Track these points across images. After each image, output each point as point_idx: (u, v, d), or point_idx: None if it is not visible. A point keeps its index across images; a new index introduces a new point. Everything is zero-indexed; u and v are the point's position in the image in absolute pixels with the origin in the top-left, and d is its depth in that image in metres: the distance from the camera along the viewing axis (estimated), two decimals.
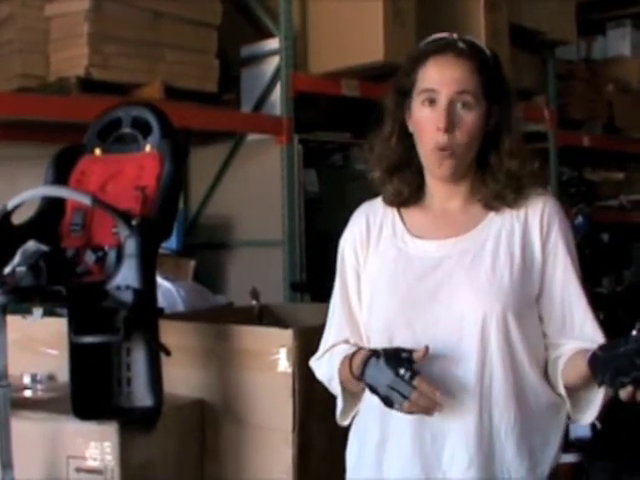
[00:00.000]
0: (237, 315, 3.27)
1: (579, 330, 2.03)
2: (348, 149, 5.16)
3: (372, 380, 1.92)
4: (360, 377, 1.95)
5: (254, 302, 3.36)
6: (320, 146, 5.05)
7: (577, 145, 6.43)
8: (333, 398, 2.16)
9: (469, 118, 1.99)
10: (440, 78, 2.00)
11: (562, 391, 2.01)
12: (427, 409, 1.88)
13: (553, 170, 6.20)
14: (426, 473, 2.00)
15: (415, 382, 1.85)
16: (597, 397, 1.98)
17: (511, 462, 1.99)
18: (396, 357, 1.90)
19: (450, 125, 1.97)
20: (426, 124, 2.01)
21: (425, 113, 2.01)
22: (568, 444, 3.73)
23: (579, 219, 6.14)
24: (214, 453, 2.64)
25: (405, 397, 1.86)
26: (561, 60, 6.39)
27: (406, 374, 1.86)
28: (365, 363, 1.94)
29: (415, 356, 1.89)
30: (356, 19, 4.46)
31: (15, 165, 4.14)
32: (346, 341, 2.17)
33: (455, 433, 1.98)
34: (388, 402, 1.90)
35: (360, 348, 2.05)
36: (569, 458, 3.61)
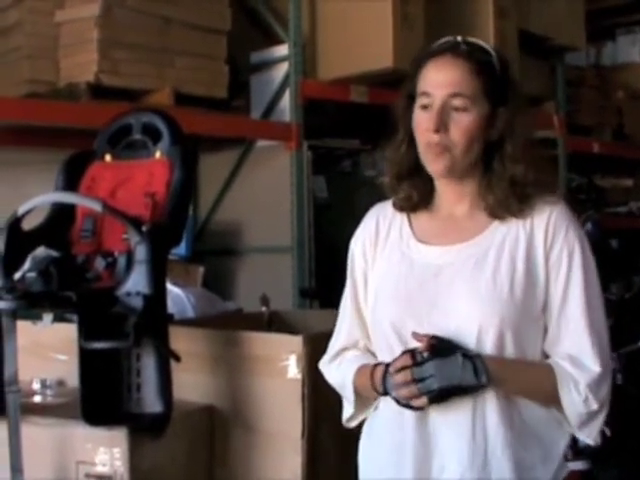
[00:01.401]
0: (246, 321, 3.26)
1: (567, 350, 2.00)
2: (357, 155, 5.17)
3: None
4: (385, 393, 1.98)
5: (264, 308, 3.35)
6: (329, 152, 5.06)
7: (586, 151, 6.43)
8: (342, 404, 2.16)
9: (464, 120, 1.98)
10: (435, 80, 2.00)
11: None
12: None
13: (562, 176, 6.20)
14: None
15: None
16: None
17: (509, 476, 1.97)
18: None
19: (441, 127, 1.97)
20: (420, 125, 2.02)
21: (421, 115, 2.02)
22: (577, 451, 3.73)
23: (588, 225, 6.12)
24: (223, 459, 2.64)
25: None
26: (570, 66, 6.39)
27: None
28: (384, 378, 1.97)
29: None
30: (365, 25, 4.47)
31: (24, 170, 4.15)
32: (356, 344, 2.18)
33: (450, 445, 1.98)
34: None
35: (379, 363, 2.04)
36: (578, 465, 3.60)
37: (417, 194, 2.11)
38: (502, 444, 1.96)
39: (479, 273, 1.98)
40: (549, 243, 1.99)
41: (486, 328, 1.94)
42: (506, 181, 2.01)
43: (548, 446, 2.01)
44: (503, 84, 2.04)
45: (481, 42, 2.06)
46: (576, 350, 1.98)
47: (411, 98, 2.07)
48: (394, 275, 2.08)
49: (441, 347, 1.91)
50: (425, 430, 1.99)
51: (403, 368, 1.90)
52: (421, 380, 1.87)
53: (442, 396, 1.89)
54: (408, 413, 1.98)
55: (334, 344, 2.22)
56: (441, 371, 1.88)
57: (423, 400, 1.89)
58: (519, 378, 1.98)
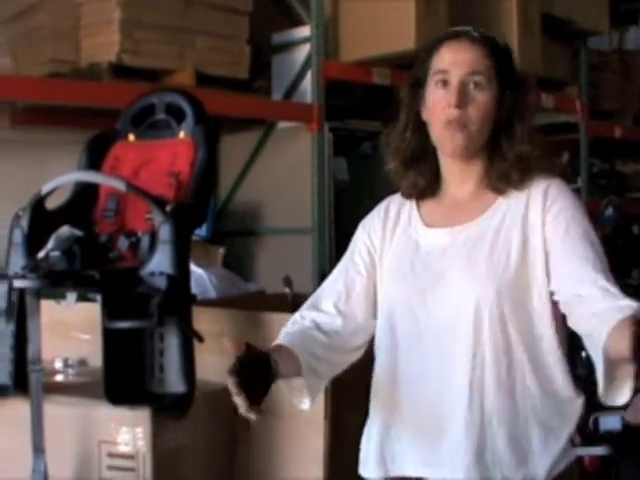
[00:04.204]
0: (269, 302, 3.25)
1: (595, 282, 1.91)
2: (378, 138, 5.15)
3: None
4: None
5: (287, 290, 3.34)
6: (350, 134, 5.04)
7: (608, 136, 6.39)
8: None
9: (481, 97, 2.01)
10: (453, 59, 2.03)
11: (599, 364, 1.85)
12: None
13: (584, 161, 6.18)
14: (427, 461, 2.01)
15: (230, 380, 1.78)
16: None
17: (502, 453, 1.96)
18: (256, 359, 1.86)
19: (462, 102, 2.00)
20: (438, 103, 2.03)
21: (438, 93, 2.04)
22: (597, 437, 3.71)
23: (609, 210, 6.10)
24: (245, 440, 2.63)
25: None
26: (593, 51, 6.35)
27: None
28: None
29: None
30: (388, 7, 4.45)
31: (46, 150, 4.16)
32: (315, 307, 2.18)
33: (451, 420, 1.98)
34: None
35: None
36: (598, 451, 3.58)
37: (423, 180, 2.14)
38: (499, 414, 1.96)
39: (479, 250, 2.01)
40: (547, 208, 2.01)
41: (483, 300, 1.95)
42: (512, 155, 2.04)
43: (552, 427, 2.00)
44: (510, 70, 2.09)
45: (486, 31, 2.10)
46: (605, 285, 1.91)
47: (417, 85, 2.10)
48: (401, 257, 2.11)
49: None
50: (429, 410, 2.01)
51: None
52: None
53: None
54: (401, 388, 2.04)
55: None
56: None
57: None
58: None
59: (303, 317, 2.15)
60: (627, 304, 1.83)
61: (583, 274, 1.94)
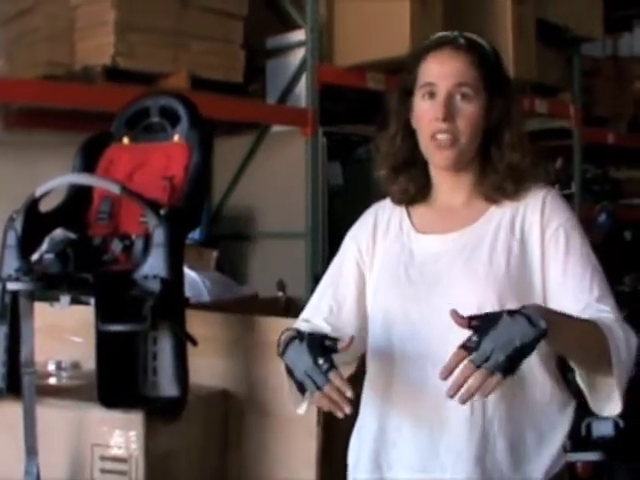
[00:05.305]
0: (262, 306, 3.26)
1: (590, 302, 1.96)
2: (372, 142, 5.15)
3: (291, 362, 1.94)
4: (281, 355, 1.98)
5: (280, 294, 3.35)
6: (344, 139, 5.04)
7: (602, 142, 6.41)
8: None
9: (469, 109, 2.02)
10: (439, 71, 2.04)
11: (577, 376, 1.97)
12: (336, 405, 1.86)
13: (577, 167, 6.18)
14: (424, 466, 2.01)
15: (331, 375, 1.85)
16: (616, 386, 1.90)
17: (501, 458, 1.97)
18: (319, 345, 1.91)
19: (449, 116, 2.00)
20: (426, 115, 2.04)
21: (425, 106, 2.04)
22: (590, 442, 3.72)
23: (602, 217, 6.12)
24: (237, 443, 2.63)
25: (318, 387, 1.86)
26: (587, 57, 6.36)
27: (324, 365, 1.86)
28: (288, 343, 1.96)
29: (339, 346, 1.91)
30: (383, 12, 4.45)
31: (39, 152, 4.15)
32: (307, 320, 2.19)
33: (450, 425, 1.99)
34: (301, 388, 1.91)
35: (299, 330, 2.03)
36: (591, 457, 3.59)
37: (414, 186, 2.15)
38: (499, 421, 1.97)
39: (477, 256, 2.02)
40: (545, 221, 2.02)
41: (484, 305, 1.94)
42: (503, 165, 2.05)
43: (545, 432, 2.02)
44: (498, 76, 2.10)
45: (476, 36, 2.11)
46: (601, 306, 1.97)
47: (407, 92, 2.11)
48: (395, 264, 2.11)
49: (484, 322, 1.77)
50: (427, 413, 2.01)
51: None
52: (485, 361, 1.72)
53: (512, 364, 1.73)
54: (397, 394, 2.04)
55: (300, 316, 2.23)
56: (498, 341, 1.72)
57: (497, 378, 1.71)
58: (572, 323, 1.88)
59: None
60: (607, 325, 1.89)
61: (577, 298, 1.97)
